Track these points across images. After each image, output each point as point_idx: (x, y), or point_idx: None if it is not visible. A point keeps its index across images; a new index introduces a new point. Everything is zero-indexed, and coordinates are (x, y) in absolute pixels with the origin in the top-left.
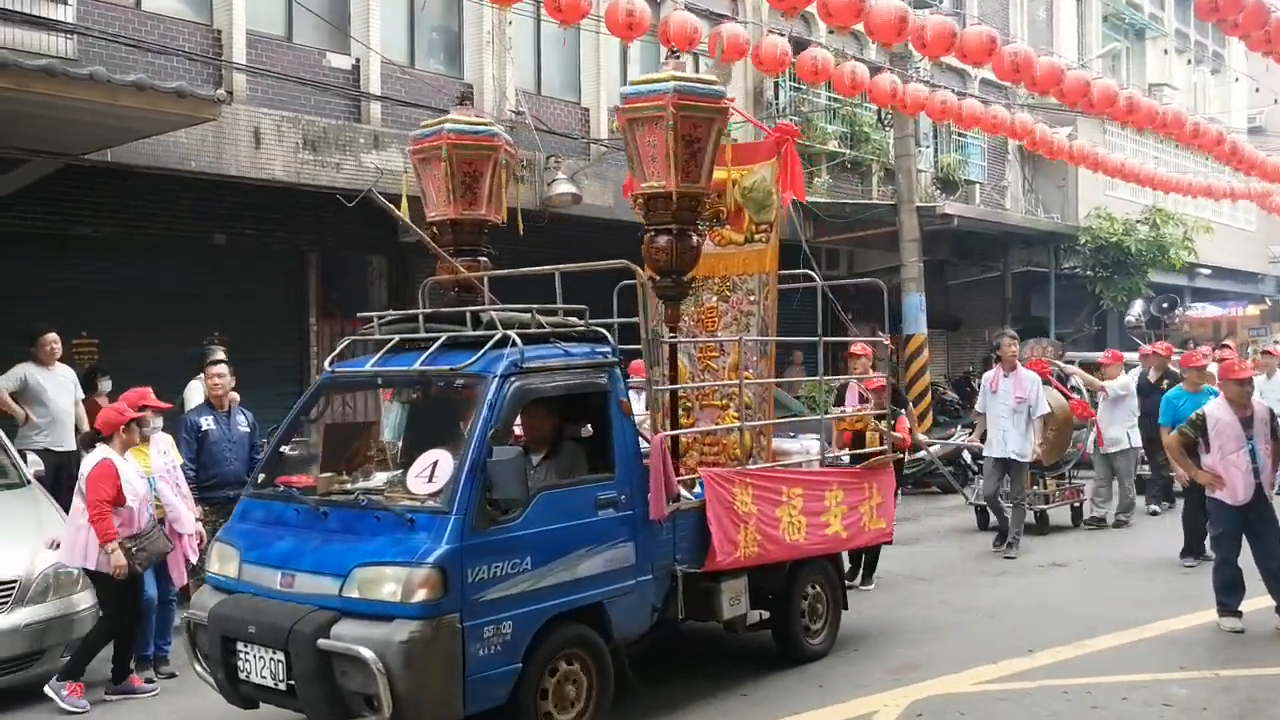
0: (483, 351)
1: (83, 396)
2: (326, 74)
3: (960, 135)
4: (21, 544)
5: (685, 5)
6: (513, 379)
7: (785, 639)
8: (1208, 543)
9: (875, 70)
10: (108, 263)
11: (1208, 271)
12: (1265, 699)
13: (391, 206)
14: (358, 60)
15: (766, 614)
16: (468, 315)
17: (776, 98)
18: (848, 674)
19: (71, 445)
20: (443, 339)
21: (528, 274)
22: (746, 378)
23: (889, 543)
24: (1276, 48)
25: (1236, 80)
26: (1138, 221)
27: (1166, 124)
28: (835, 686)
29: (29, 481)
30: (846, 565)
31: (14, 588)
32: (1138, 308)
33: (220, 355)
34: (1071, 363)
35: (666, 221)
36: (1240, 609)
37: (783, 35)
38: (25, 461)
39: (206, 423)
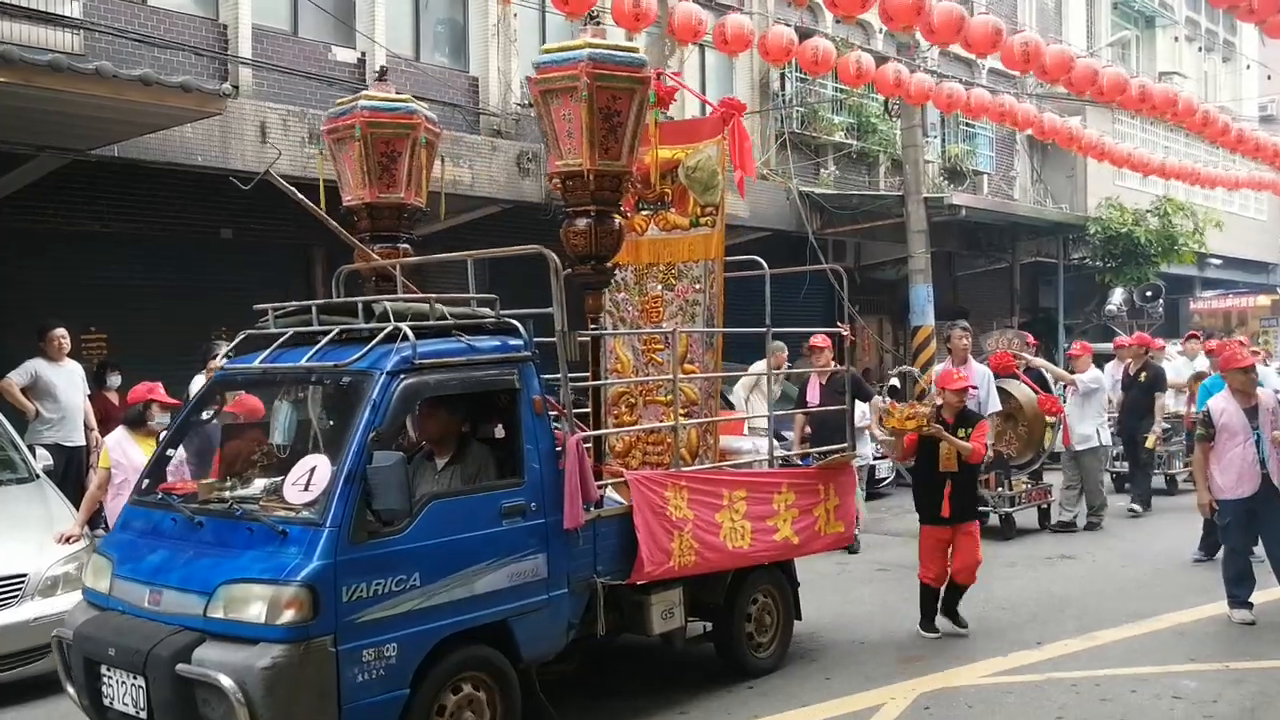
0: (370, 346)
1: (90, 392)
2: (332, 68)
3: (968, 125)
4: (30, 539)
5: None
6: (403, 376)
7: (729, 652)
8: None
9: (881, 60)
10: (116, 258)
11: (1218, 262)
12: (1275, 692)
13: (291, 189)
14: (363, 54)
15: (710, 625)
16: (359, 306)
17: (783, 89)
18: (855, 666)
19: (81, 440)
20: (335, 332)
21: (440, 260)
22: (691, 371)
23: (848, 548)
24: None
25: (1248, 68)
26: (1147, 212)
27: (1179, 111)
28: (843, 678)
29: (38, 476)
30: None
31: (24, 582)
32: (1118, 296)
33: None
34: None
35: (585, 203)
36: (1251, 601)
37: (789, 25)
38: (35, 456)
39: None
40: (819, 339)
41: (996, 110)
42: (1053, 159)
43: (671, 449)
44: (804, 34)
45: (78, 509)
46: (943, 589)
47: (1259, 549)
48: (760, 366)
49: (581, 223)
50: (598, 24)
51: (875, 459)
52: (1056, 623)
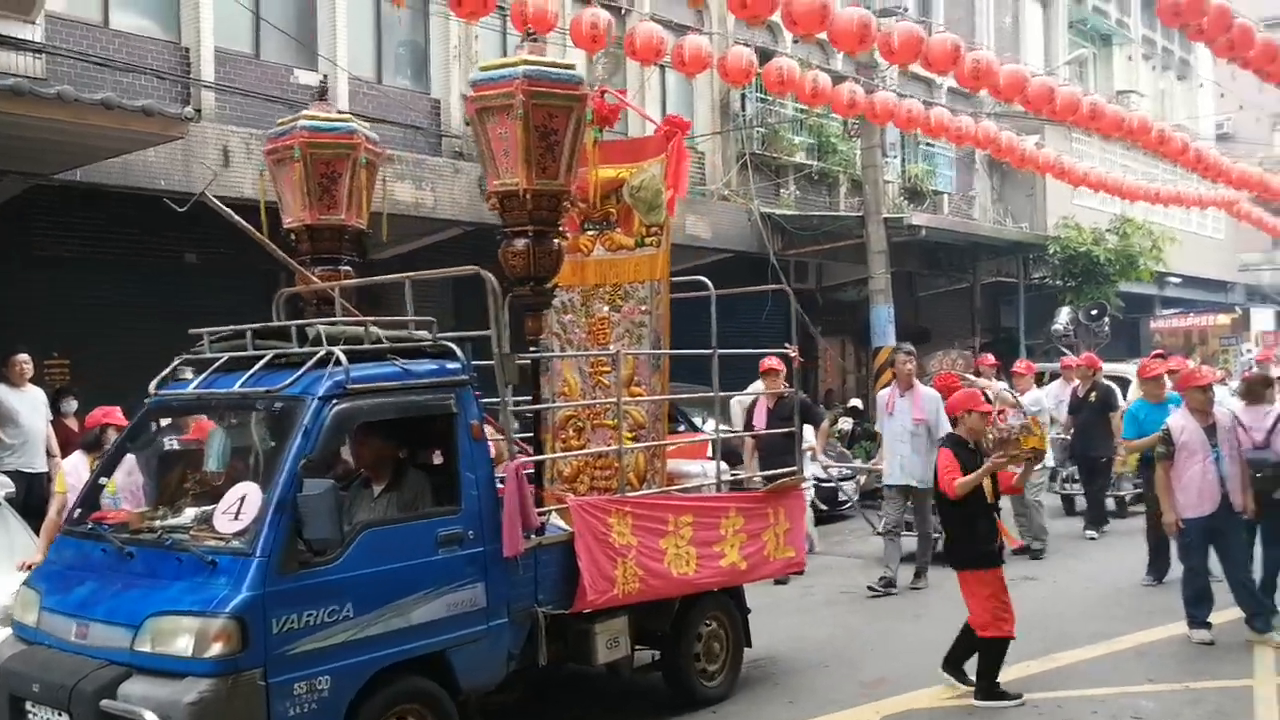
0: (302, 371)
1: (52, 418)
2: (294, 90)
3: (928, 145)
4: None
5: (651, 16)
6: (335, 401)
7: (677, 681)
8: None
9: (839, 79)
10: (79, 283)
11: (1178, 280)
12: (1233, 710)
13: (227, 210)
14: (325, 76)
15: (658, 654)
16: (294, 330)
17: (744, 109)
18: (818, 688)
19: (43, 466)
20: (269, 357)
21: (377, 282)
22: (638, 393)
23: (799, 572)
24: (1241, 53)
25: (1201, 86)
26: (1106, 231)
27: (1133, 130)
28: (805, 701)
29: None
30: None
31: None
32: (1064, 316)
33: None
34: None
35: (523, 223)
36: (1210, 621)
37: (748, 46)
38: None
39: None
40: (773, 361)
41: (955, 130)
42: (1012, 179)
43: (620, 473)
44: (764, 55)
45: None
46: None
47: (1218, 569)
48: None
49: (519, 243)
50: (535, 41)
51: (839, 480)
52: (1019, 644)
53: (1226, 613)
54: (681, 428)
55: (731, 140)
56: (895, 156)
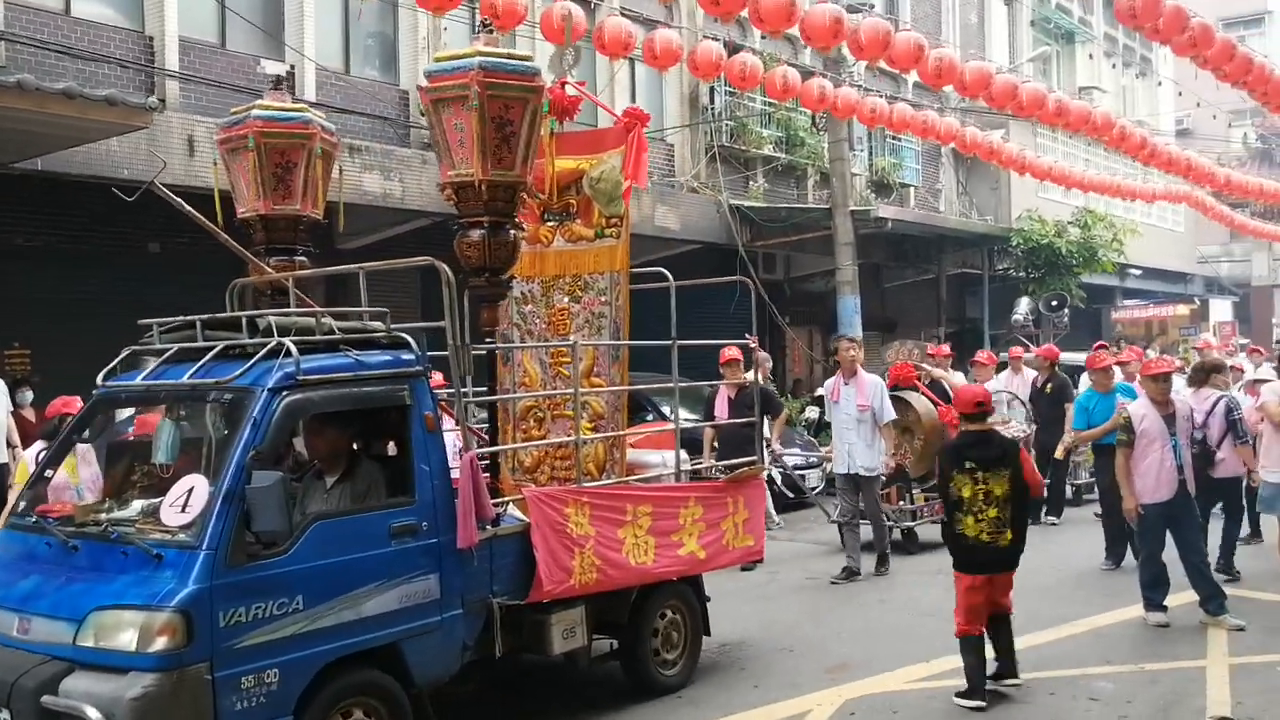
0: (252, 362)
1: (12, 408)
2: (261, 81)
3: (894, 139)
4: None
5: (620, 11)
6: (285, 393)
7: (635, 670)
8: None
9: (807, 75)
10: (40, 273)
11: (1138, 272)
12: (1187, 691)
13: (178, 200)
14: (292, 67)
15: (616, 643)
16: (244, 321)
17: (713, 103)
18: (783, 673)
19: (3, 457)
20: (219, 348)
21: (330, 273)
22: (598, 384)
23: (759, 561)
24: (1201, 52)
25: (1160, 84)
26: (1069, 223)
27: (1096, 126)
28: (771, 686)
29: None
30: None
31: None
32: (1024, 306)
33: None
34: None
35: (478, 214)
36: (1166, 604)
37: (717, 40)
38: None
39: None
40: (732, 351)
41: (920, 124)
42: (977, 172)
43: (582, 463)
44: (732, 49)
45: None
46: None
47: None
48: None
49: (475, 234)
50: (491, 32)
51: (793, 469)
52: None
53: (1181, 596)
54: (650, 417)
55: (700, 133)
56: (862, 150)
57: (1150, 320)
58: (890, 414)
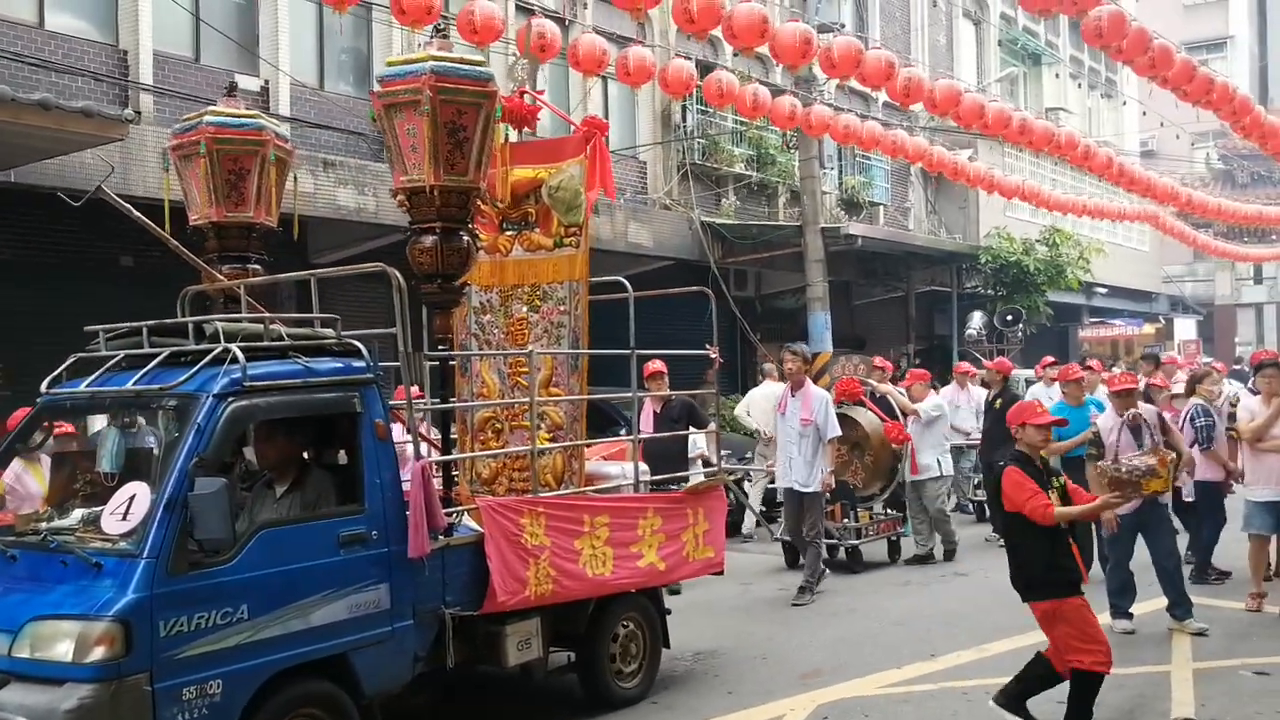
0: (197, 368)
1: None
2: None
3: (864, 158)
4: None
5: (594, 29)
6: (231, 399)
7: (592, 683)
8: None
9: (778, 93)
10: (12, 286)
11: (1104, 290)
12: (1153, 694)
13: (127, 206)
14: (267, 82)
15: (573, 655)
16: (190, 327)
17: (684, 120)
18: (756, 680)
19: None
20: (165, 354)
21: (282, 280)
22: (556, 394)
23: (719, 573)
24: (1161, 72)
25: (1125, 104)
26: (1036, 241)
27: (1060, 145)
28: (744, 692)
29: None
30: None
31: None
32: (977, 320)
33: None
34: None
35: (431, 220)
36: (1132, 611)
37: (689, 59)
38: None
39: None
40: (656, 365)
41: (889, 143)
42: (946, 190)
43: (538, 474)
44: (705, 67)
45: None
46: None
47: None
48: (767, 390)
49: (427, 240)
50: (445, 37)
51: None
52: (951, 636)
53: (1147, 604)
54: (624, 432)
55: (673, 150)
56: (833, 168)
57: (1116, 339)
58: (835, 430)
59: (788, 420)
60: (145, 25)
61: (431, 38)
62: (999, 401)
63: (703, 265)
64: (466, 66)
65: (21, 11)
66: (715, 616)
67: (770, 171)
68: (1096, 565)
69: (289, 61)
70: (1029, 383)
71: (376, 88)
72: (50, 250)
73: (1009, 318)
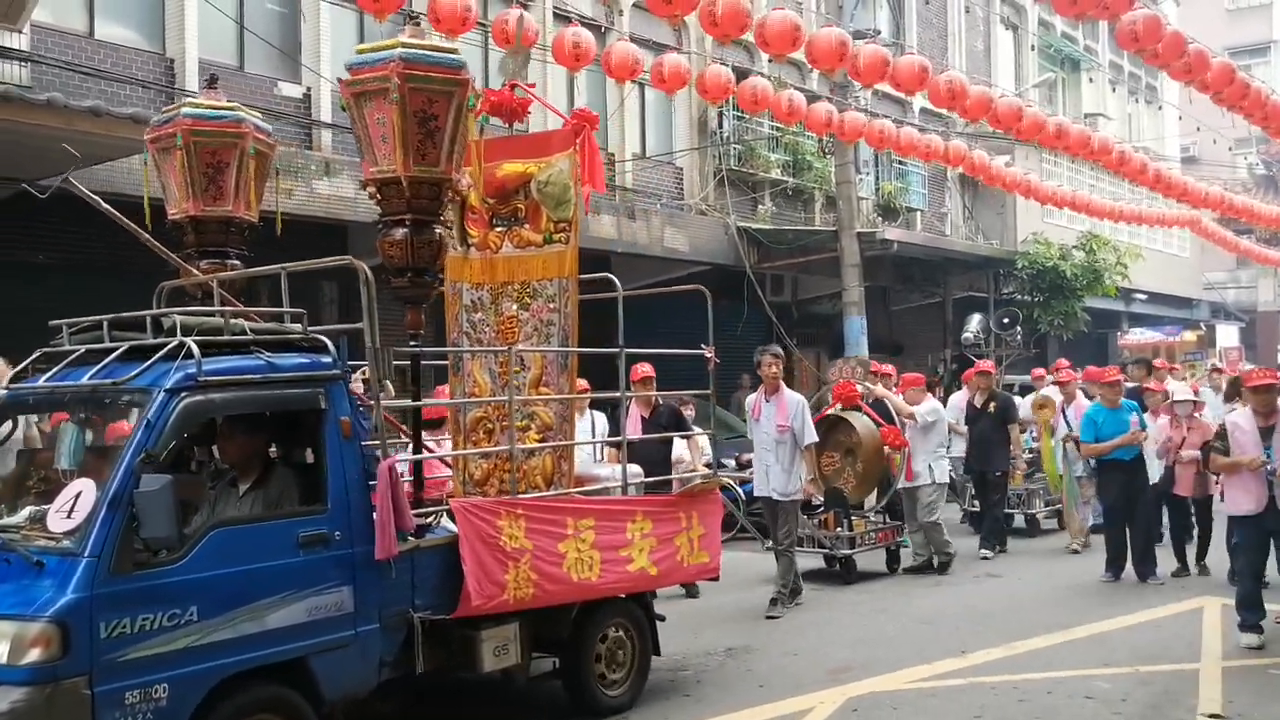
0: (150, 362)
1: None
2: (278, 102)
3: (901, 163)
4: None
5: (630, 36)
6: (184, 395)
7: (576, 690)
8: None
9: (814, 99)
10: (51, 289)
11: (1144, 297)
12: (1179, 690)
13: (95, 198)
14: (309, 89)
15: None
16: (148, 320)
17: (721, 126)
18: (787, 675)
19: None
20: (123, 349)
21: (251, 275)
22: (546, 394)
23: (714, 579)
24: (1197, 77)
25: (1160, 109)
26: (1074, 247)
27: (1094, 150)
28: (775, 685)
29: None
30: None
31: None
32: (975, 324)
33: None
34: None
35: (401, 212)
36: (1262, 625)
37: (725, 65)
38: None
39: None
40: (645, 369)
41: (925, 148)
42: (983, 196)
43: (528, 476)
44: (741, 73)
45: None
46: None
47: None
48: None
49: (398, 233)
50: (417, 25)
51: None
52: (980, 634)
53: (1181, 605)
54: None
55: (709, 156)
56: (869, 174)
57: (1157, 345)
58: (811, 436)
59: (762, 426)
60: (191, 34)
61: (404, 25)
62: (991, 405)
63: (739, 270)
64: (437, 54)
65: (74, 22)
66: (747, 614)
67: (806, 177)
68: (1129, 571)
69: (330, 68)
70: (1023, 390)
71: (345, 75)
72: (95, 255)
73: (1005, 320)
